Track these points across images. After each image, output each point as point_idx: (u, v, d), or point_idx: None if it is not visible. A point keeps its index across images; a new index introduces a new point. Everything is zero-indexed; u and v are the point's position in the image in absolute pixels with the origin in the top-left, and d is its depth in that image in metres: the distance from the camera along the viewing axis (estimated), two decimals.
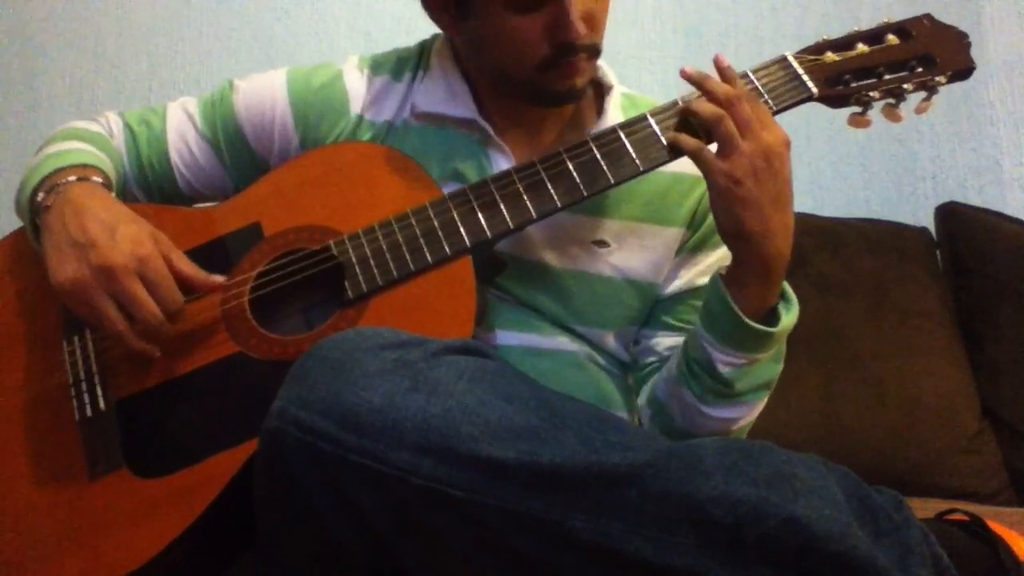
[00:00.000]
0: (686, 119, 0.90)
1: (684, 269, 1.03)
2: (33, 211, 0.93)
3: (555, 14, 0.89)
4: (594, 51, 0.95)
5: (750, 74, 0.93)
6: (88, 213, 0.87)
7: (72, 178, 0.92)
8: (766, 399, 0.97)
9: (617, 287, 1.00)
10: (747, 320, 0.88)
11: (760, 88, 0.92)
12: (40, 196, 0.92)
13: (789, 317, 0.90)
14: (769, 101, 0.92)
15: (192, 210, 1.04)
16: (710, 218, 0.99)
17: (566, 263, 0.99)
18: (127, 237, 0.86)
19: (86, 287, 0.85)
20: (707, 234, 1.03)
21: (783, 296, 0.91)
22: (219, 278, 0.91)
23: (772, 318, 0.90)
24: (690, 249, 1.03)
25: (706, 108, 0.87)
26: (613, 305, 1.00)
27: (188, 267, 0.90)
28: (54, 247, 0.87)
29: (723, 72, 0.88)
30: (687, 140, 0.88)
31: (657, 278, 1.02)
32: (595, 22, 0.93)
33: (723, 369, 0.91)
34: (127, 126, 1.05)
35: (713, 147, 0.88)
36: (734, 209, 0.85)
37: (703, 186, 1.01)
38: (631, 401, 1.04)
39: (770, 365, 0.94)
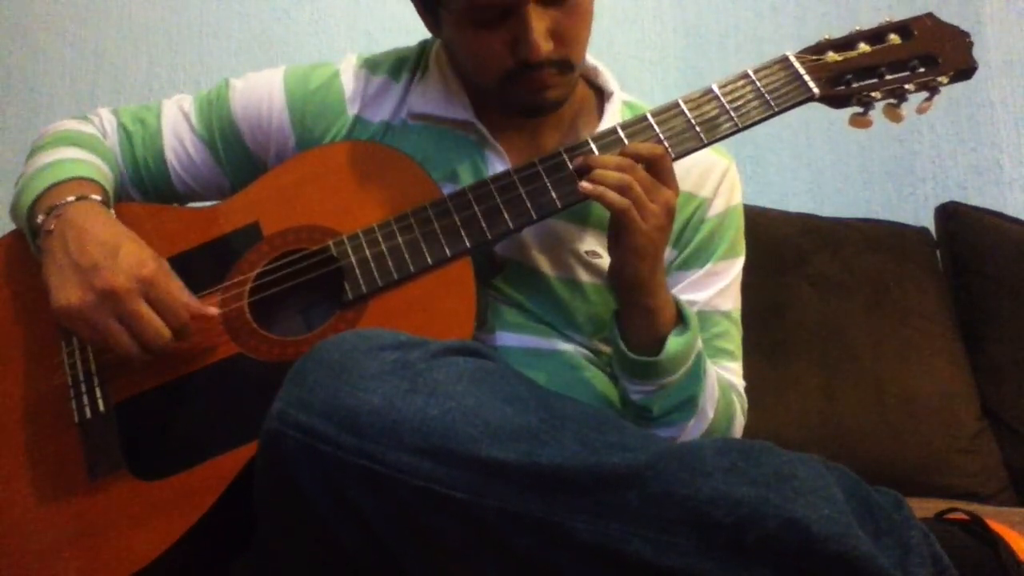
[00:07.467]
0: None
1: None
2: (33, 231, 0.93)
3: (516, 30, 0.88)
4: (564, 66, 0.93)
5: (751, 74, 0.93)
6: (89, 235, 0.87)
7: (71, 198, 0.91)
8: (704, 415, 0.97)
9: (608, 296, 1.00)
10: (630, 354, 0.91)
11: (761, 88, 0.92)
12: (40, 218, 0.91)
13: (677, 343, 0.91)
14: (771, 101, 0.92)
15: (190, 210, 1.04)
16: (696, 237, 1.02)
17: (559, 271, 0.99)
18: (130, 257, 0.86)
19: (91, 311, 0.84)
20: (692, 253, 1.03)
21: (683, 319, 0.93)
22: (213, 310, 0.90)
23: (662, 346, 0.91)
24: (677, 268, 1.03)
25: (614, 200, 0.86)
26: (605, 313, 1.00)
27: (184, 295, 0.88)
28: (56, 271, 0.87)
29: (606, 162, 0.88)
30: (617, 199, 0.87)
31: None
32: (565, 38, 0.91)
33: (634, 397, 0.94)
34: (121, 125, 1.05)
35: None
36: (639, 262, 0.88)
37: (694, 203, 1.02)
38: None
39: (684, 386, 0.94)
